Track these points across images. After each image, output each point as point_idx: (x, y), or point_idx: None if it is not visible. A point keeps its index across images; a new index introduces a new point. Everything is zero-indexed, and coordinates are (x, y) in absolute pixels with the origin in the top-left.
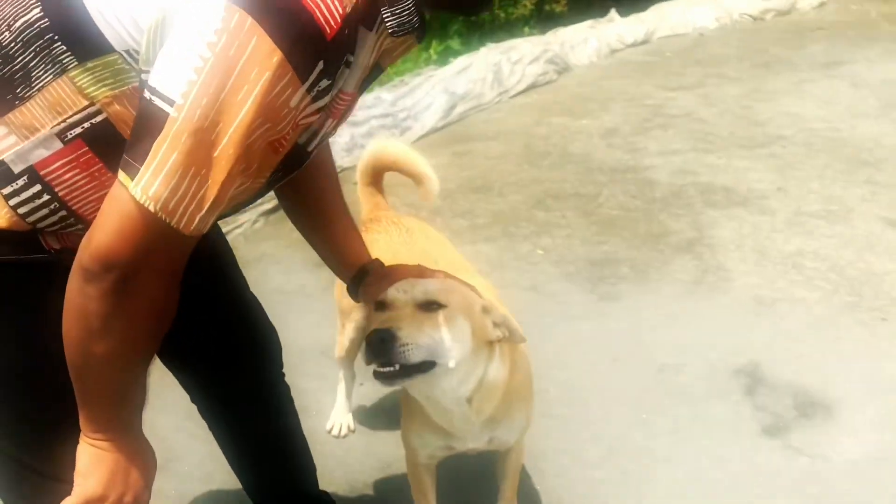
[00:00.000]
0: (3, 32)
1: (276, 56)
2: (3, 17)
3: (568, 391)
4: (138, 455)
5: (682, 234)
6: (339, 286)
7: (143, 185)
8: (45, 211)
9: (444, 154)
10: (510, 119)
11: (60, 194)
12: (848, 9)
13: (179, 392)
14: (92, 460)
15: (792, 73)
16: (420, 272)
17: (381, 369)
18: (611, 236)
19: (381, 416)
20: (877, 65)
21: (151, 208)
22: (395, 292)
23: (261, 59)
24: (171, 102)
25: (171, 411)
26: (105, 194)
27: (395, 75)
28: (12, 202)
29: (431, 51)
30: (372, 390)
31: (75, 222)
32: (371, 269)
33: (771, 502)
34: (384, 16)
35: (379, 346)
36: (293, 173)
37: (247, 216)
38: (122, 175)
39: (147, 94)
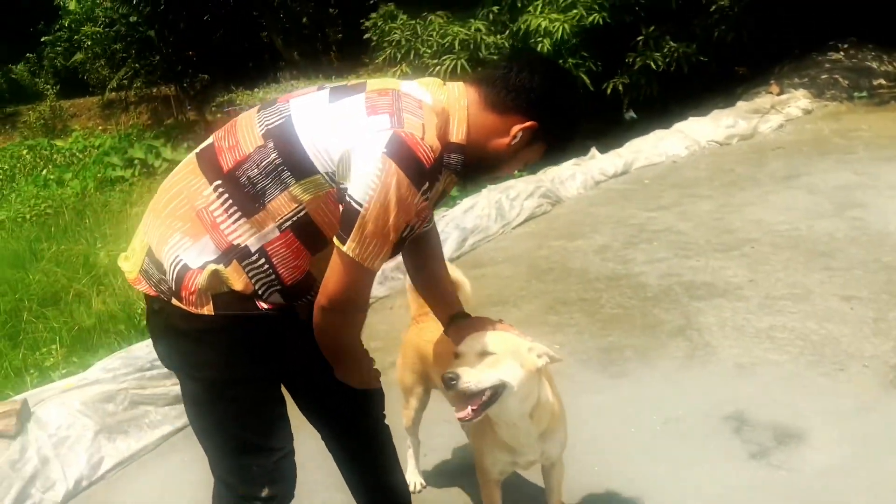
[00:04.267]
0: (253, 169)
1: (406, 180)
2: (253, 161)
3: (592, 445)
4: None
5: (673, 323)
6: (401, 368)
7: (352, 247)
8: (263, 275)
9: None
10: (514, 246)
11: (274, 262)
12: (804, 129)
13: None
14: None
15: (756, 187)
16: (483, 324)
17: (463, 417)
18: (613, 329)
19: (444, 476)
20: (829, 174)
21: (357, 259)
22: (463, 347)
23: (399, 181)
24: (360, 205)
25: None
26: (299, 262)
27: None
28: (247, 270)
29: None
30: (435, 459)
31: (277, 283)
32: (455, 317)
33: None
34: (450, 157)
35: (449, 383)
36: (399, 250)
37: None
38: (337, 242)
39: (348, 199)
